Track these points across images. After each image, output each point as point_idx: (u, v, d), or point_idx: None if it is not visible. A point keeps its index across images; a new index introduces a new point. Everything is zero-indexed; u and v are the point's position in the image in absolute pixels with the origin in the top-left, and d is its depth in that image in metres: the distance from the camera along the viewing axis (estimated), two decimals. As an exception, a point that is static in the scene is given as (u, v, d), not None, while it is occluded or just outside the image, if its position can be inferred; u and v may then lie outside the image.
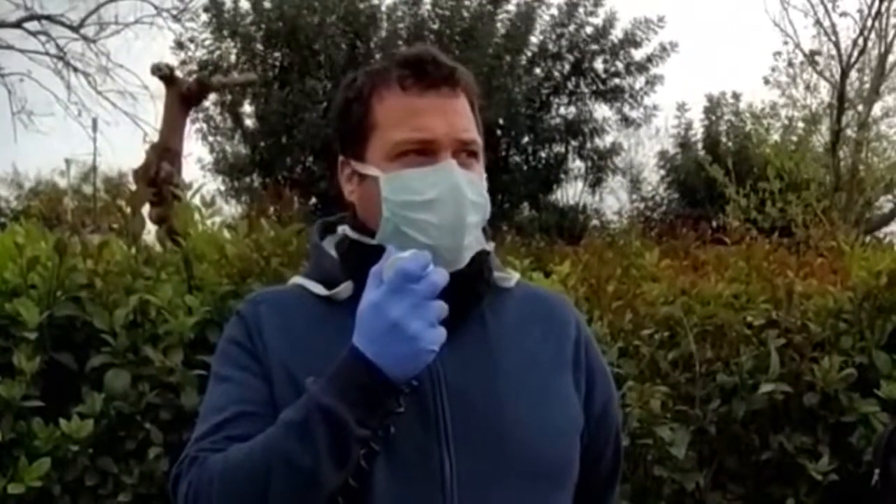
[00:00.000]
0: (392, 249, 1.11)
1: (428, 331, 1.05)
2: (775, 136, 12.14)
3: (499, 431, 1.14)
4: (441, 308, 1.06)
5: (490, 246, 1.22)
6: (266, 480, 1.05)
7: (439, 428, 1.12)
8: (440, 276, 1.07)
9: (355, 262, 1.17)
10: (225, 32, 13.63)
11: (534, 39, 14.32)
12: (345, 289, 1.17)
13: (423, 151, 1.14)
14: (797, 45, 11.46)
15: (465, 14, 13.81)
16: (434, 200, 1.13)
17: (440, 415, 1.12)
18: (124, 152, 37.93)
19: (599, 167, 15.06)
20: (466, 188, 1.14)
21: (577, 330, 1.26)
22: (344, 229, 1.23)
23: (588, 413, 1.23)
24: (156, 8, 15.88)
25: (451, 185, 1.13)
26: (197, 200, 2.73)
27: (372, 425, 1.07)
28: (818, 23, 11.27)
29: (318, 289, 1.19)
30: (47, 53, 16.10)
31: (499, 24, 14.03)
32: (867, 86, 11.55)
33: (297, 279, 1.24)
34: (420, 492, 1.10)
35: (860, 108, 11.44)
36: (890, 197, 12.28)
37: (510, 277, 1.25)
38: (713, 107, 14.96)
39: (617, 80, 14.68)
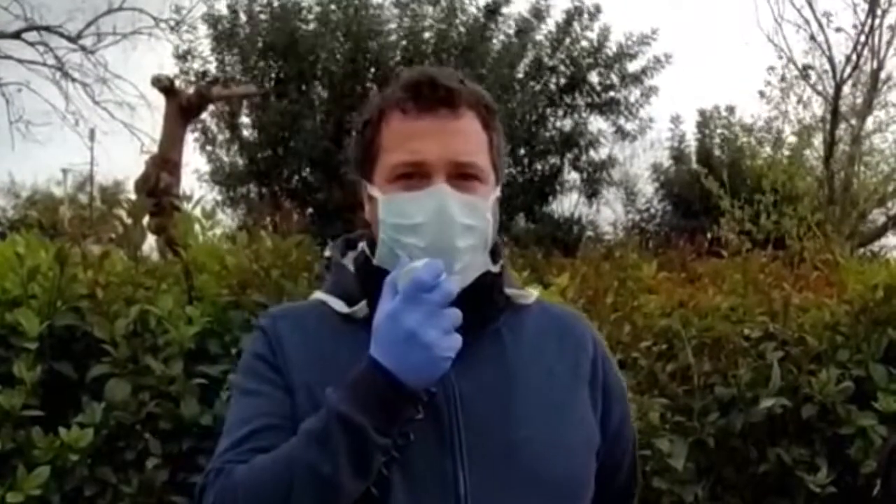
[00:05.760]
0: (405, 259, 1.11)
1: (443, 338, 1.06)
2: (768, 150, 12.21)
3: (512, 448, 1.14)
4: (455, 315, 1.07)
5: (497, 268, 1.21)
6: (288, 489, 1.05)
7: (454, 444, 1.13)
8: (453, 285, 1.08)
9: (368, 280, 1.18)
10: (223, 44, 13.65)
11: (530, 54, 14.39)
12: (362, 307, 1.18)
13: (416, 174, 1.15)
14: (790, 60, 11.56)
15: (462, 28, 13.88)
16: (421, 224, 1.13)
17: (455, 431, 1.13)
18: (120, 162, 38.21)
19: (595, 179, 15.11)
20: (456, 212, 1.13)
21: (594, 347, 1.26)
22: (363, 246, 1.24)
23: (605, 430, 1.23)
24: (154, 19, 15.98)
25: (438, 208, 1.12)
26: (197, 212, 2.75)
27: (391, 433, 1.07)
28: (812, 38, 11.37)
29: (339, 305, 1.20)
30: (45, 64, 16.18)
31: (494, 40, 14.10)
32: (860, 100, 11.64)
33: (318, 294, 1.24)
34: None
35: (853, 122, 11.52)
36: (882, 210, 12.35)
37: (528, 295, 1.25)
38: (705, 121, 15.03)
39: (612, 93, 14.75)
